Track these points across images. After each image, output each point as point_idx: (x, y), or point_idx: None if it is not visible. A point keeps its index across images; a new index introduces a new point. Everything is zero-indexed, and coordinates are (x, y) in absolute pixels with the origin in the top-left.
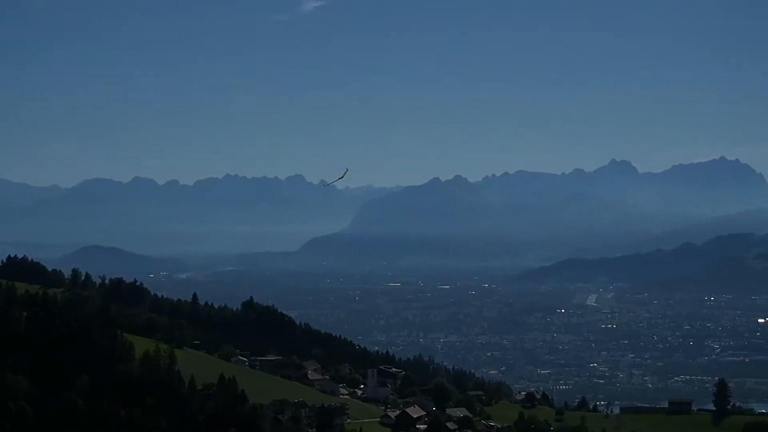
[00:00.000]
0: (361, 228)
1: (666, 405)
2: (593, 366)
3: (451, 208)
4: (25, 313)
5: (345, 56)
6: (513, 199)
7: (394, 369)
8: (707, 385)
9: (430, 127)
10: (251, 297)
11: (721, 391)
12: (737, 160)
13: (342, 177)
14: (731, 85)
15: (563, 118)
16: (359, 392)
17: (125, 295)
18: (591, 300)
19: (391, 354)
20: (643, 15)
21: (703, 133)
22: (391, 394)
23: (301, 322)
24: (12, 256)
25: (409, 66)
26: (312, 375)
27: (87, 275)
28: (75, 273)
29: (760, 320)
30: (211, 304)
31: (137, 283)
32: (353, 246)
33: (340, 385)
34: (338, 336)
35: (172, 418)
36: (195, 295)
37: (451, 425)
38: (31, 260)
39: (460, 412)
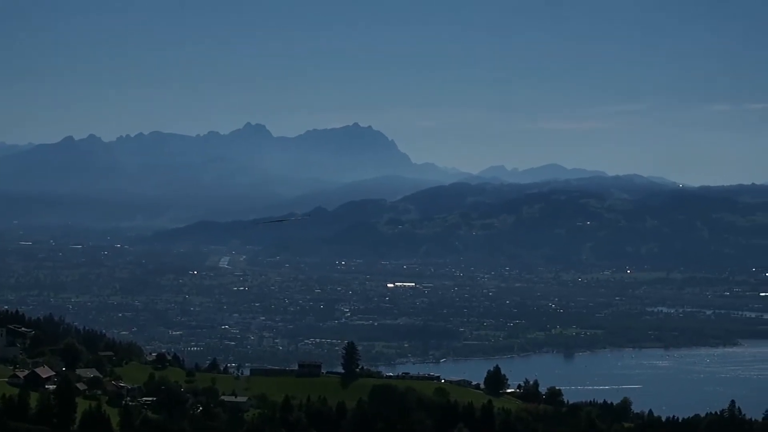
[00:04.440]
0: None
1: (296, 367)
2: (225, 328)
3: (84, 167)
4: None
5: None
6: (147, 160)
7: (23, 328)
8: (337, 348)
9: (61, 83)
10: None
11: (350, 354)
12: (370, 126)
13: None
14: (363, 52)
15: (198, 80)
16: None
17: None
18: (224, 262)
19: (20, 313)
20: None
21: (337, 99)
22: (20, 353)
23: None
24: None
25: (31, 17)
26: None
27: None
28: None
29: (389, 285)
30: None
31: None
32: None
33: None
34: None
35: None
36: None
37: (80, 386)
38: None
39: (90, 372)
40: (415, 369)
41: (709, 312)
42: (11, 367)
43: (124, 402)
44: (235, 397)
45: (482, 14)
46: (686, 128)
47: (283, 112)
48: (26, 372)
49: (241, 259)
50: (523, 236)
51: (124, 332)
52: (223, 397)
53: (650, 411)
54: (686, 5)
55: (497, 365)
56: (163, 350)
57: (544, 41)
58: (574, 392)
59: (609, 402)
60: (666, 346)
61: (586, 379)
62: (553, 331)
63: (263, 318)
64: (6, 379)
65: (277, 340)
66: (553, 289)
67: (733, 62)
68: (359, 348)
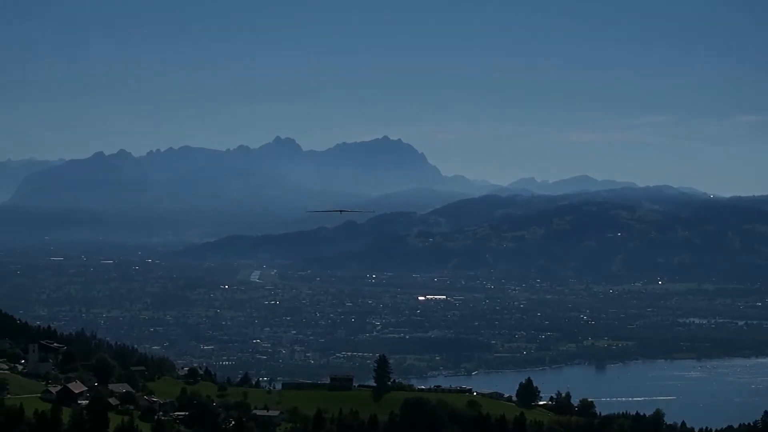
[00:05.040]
0: (23, 201)
1: (328, 381)
2: (256, 342)
3: (115, 182)
4: None
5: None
6: (177, 175)
7: (55, 344)
8: (368, 361)
9: (94, 99)
10: None
11: (382, 367)
12: (400, 139)
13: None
14: (392, 65)
15: (228, 94)
16: (20, 367)
17: None
18: (255, 276)
19: (53, 329)
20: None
21: (367, 112)
22: (53, 369)
23: None
24: None
25: (63, 35)
26: None
27: None
28: None
29: (420, 298)
30: None
31: None
32: (15, 219)
33: (0, 360)
34: None
35: None
36: None
37: (113, 401)
38: None
39: (123, 387)
40: (446, 382)
41: (741, 323)
42: (43, 383)
43: (156, 417)
44: (267, 411)
45: (510, 28)
46: (715, 139)
47: (312, 126)
48: (58, 387)
49: (272, 273)
50: (554, 248)
51: (155, 347)
52: (255, 411)
53: (683, 422)
54: (714, 16)
55: (529, 377)
56: (195, 364)
57: (572, 54)
58: (606, 404)
59: (641, 414)
60: (698, 357)
61: (619, 390)
62: (584, 342)
63: (294, 332)
64: (38, 395)
65: (308, 354)
66: (585, 300)
67: (760, 73)
68: (391, 361)
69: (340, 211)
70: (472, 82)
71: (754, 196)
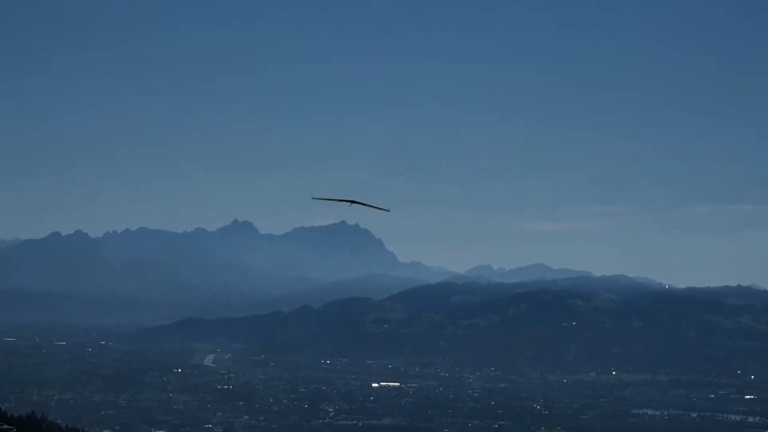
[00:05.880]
0: None
1: None
2: (208, 427)
3: (70, 263)
4: None
5: None
6: (134, 256)
7: (5, 426)
8: None
9: (48, 179)
10: None
11: None
12: (357, 224)
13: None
14: (349, 149)
15: (186, 176)
16: None
17: None
18: (209, 360)
19: (2, 410)
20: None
21: (324, 196)
22: None
23: None
24: None
25: (16, 115)
26: None
27: None
28: None
29: (375, 384)
30: None
31: None
32: None
33: None
34: None
35: None
36: None
37: None
38: None
39: None
40: None
41: (694, 414)
42: None
43: None
44: None
45: (466, 113)
46: (670, 229)
47: (270, 209)
48: None
49: (226, 357)
50: (509, 336)
51: (107, 430)
52: None
53: None
54: (668, 106)
55: None
56: None
57: (527, 142)
58: None
59: None
60: None
61: None
62: None
63: (247, 417)
64: None
65: None
66: (539, 389)
67: (715, 163)
68: None
69: (350, 202)
70: (427, 167)
71: (709, 287)
